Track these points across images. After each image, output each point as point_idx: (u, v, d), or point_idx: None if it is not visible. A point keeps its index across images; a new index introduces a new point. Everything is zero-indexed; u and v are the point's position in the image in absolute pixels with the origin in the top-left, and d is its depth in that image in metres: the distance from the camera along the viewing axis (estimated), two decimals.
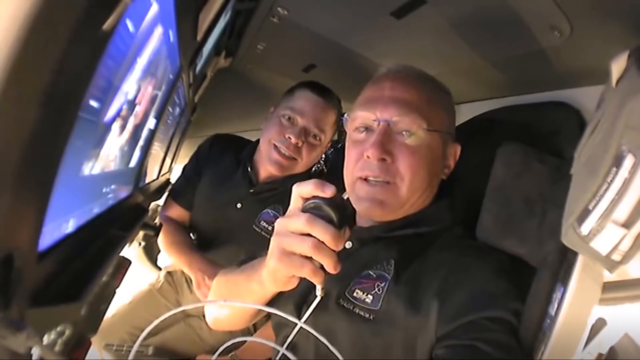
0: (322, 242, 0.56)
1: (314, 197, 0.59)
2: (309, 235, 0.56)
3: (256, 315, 0.88)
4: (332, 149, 1.78)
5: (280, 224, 0.60)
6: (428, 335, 0.66)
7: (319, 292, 0.62)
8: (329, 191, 0.58)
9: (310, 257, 0.57)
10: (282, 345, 0.62)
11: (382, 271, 0.74)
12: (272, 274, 0.62)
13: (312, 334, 0.51)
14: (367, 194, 0.76)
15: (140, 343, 0.51)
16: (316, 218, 0.56)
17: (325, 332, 0.71)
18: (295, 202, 0.62)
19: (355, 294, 0.73)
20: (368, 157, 0.75)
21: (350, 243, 0.81)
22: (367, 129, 0.79)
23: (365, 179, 0.77)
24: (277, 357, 0.66)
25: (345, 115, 0.85)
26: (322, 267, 0.58)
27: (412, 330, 0.68)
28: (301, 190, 0.61)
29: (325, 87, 1.35)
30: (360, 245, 0.81)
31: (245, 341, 1.25)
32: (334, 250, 0.57)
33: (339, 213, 0.58)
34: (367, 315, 0.71)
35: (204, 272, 1.34)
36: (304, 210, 0.59)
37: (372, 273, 0.74)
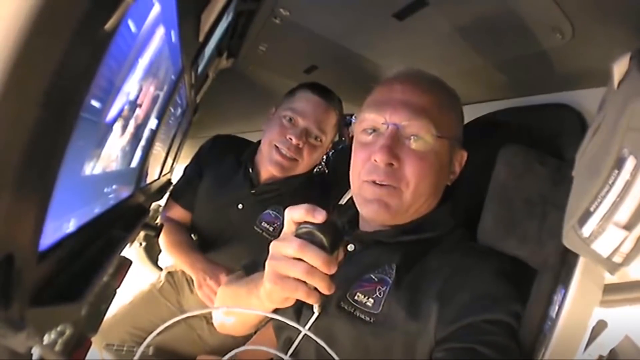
0: (315, 267, 0.58)
1: (306, 222, 0.61)
2: (301, 259, 0.58)
3: (259, 323, 0.90)
4: (333, 150, 1.78)
5: (274, 247, 0.62)
6: (428, 338, 0.66)
7: (316, 310, 0.63)
8: (319, 217, 0.60)
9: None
10: (282, 348, 0.63)
11: (383, 275, 0.74)
12: (269, 294, 0.64)
13: (315, 340, 0.52)
14: (374, 196, 0.76)
15: (140, 343, 0.51)
16: (308, 244, 0.58)
17: (326, 334, 0.71)
18: (288, 225, 0.64)
19: (356, 297, 0.73)
20: (375, 160, 0.75)
21: (353, 246, 0.81)
22: (375, 131, 0.79)
23: (372, 182, 0.77)
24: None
25: (354, 116, 0.85)
26: (316, 288, 0.60)
27: (412, 334, 0.68)
28: (293, 215, 0.62)
29: (326, 88, 1.35)
30: (363, 248, 0.81)
31: (246, 342, 1.25)
32: (326, 274, 0.59)
33: (330, 237, 0.59)
34: (367, 319, 0.71)
35: (206, 272, 1.35)
36: (297, 235, 0.60)
37: (373, 276, 0.74)
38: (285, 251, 0.59)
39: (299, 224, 0.62)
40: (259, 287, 0.68)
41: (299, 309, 0.78)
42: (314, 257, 0.57)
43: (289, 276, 0.60)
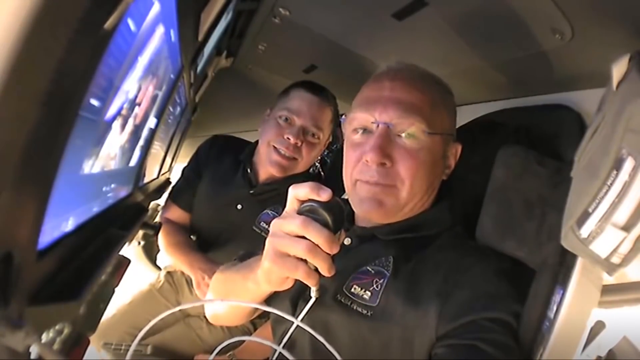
0: (317, 246, 0.56)
1: (310, 199, 0.59)
2: (303, 237, 0.57)
3: (254, 312, 0.89)
4: (327, 151, 1.78)
5: (275, 225, 0.60)
6: (427, 333, 0.66)
7: (313, 294, 0.62)
8: (324, 195, 0.59)
9: (305, 260, 0.58)
10: (279, 342, 0.62)
11: (380, 267, 0.74)
12: (267, 274, 0.63)
13: (309, 332, 0.51)
14: (368, 194, 0.75)
15: (139, 342, 0.51)
16: (311, 221, 0.57)
17: (322, 327, 0.71)
18: (291, 203, 0.62)
19: (353, 290, 0.73)
20: (367, 161, 0.74)
21: (350, 239, 0.81)
22: (366, 130, 0.77)
23: (366, 181, 0.76)
24: (275, 356, 0.66)
25: (344, 116, 0.84)
26: (316, 269, 0.58)
27: (410, 327, 0.67)
28: (297, 193, 0.61)
29: (319, 86, 1.35)
30: (360, 242, 0.81)
31: (244, 341, 1.25)
32: (328, 254, 0.57)
33: (334, 216, 0.58)
34: (364, 312, 0.70)
35: (204, 271, 1.34)
36: (300, 212, 0.59)
37: (370, 269, 0.74)
38: (287, 228, 0.58)
39: (302, 202, 0.60)
40: (255, 271, 0.66)
41: (295, 301, 0.77)
42: (317, 235, 0.56)
43: (289, 254, 0.58)
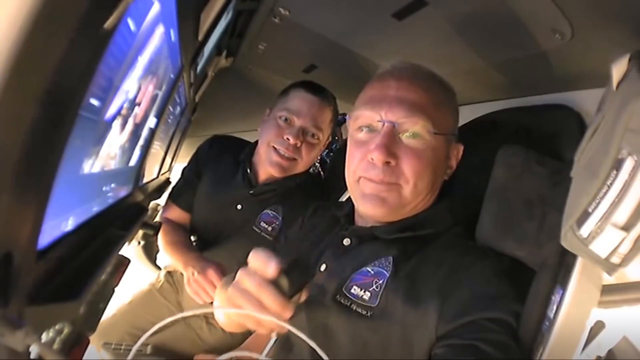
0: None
1: None
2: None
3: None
4: (327, 151, 1.78)
5: (240, 275, 0.61)
6: (427, 333, 0.66)
7: (273, 336, 0.63)
8: (270, 269, 0.59)
9: None
10: (279, 342, 0.62)
11: (380, 268, 0.74)
12: (226, 315, 0.66)
13: (301, 337, 0.51)
14: (372, 191, 0.76)
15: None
16: (266, 285, 0.58)
17: (322, 328, 0.71)
18: (252, 262, 0.62)
19: (352, 291, 0.73)
20: (372, 159, 0.75)
21: (349, 240, 0.81)
22: (371, 128, 0.78)
23: (370, 179, 0.76)
24: (267, 351, 0.66)
25: (347, 114, 0.84)
26: None
27: (410, 326, 0.68)
28: (251, 262, 0.61)
29: (319, 86, 1.35)
30: (359, 242, 0.81)
31: (244, 341, 1.25)
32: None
33: (292, 281, 0.60)
34: (364, 312, 0.71)
35: (195, 268, 1.33)
36: None
37: (370, 270, 0.74)
38: (245, 284, 0.59)
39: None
40: None
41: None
42: (269, 300, 0.57)
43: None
